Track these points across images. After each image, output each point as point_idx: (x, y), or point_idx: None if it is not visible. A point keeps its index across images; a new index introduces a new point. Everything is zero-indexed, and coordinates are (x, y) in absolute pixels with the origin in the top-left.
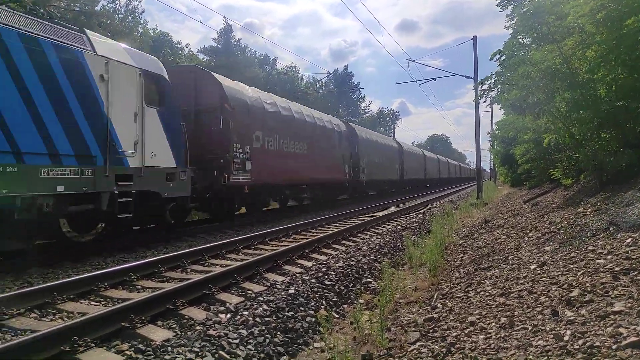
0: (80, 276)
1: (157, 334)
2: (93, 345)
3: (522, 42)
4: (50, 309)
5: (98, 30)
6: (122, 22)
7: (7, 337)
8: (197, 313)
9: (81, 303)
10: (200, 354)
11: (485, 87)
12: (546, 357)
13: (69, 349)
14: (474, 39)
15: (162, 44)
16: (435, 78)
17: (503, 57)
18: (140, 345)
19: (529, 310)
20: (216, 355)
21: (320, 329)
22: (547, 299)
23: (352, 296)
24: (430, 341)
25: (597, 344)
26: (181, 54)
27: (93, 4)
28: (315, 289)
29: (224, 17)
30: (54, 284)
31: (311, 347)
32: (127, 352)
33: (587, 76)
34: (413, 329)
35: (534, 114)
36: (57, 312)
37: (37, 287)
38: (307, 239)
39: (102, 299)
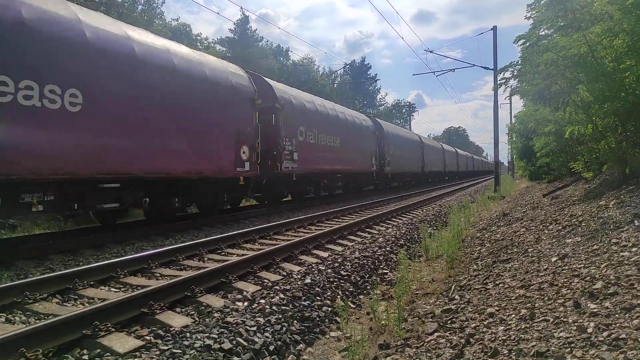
0: (101, 263)
1: (176, 320)
2: (114, 330)
3: (543, 33)
4: (71, 294)
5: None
6: (142, 13)
7: (30, 320)
8: (214, 300)
9: (101, 289)
10: (218, 340)
11: (507, 74)
12: (569, 349)
13: (90, 333)
14: (494, 29)
15: (181, 35)
16: (454, 69)
17: (527, 44)
18: (160, 331)
19: (550, 302)
20: (234, 342)
21: (337, 318)
22: (568, 291)
23: (368, 287)
24: (449, 332)
25: (623, 336)
26: (200, 46)
27: None
28: (331, 279)
29: (241, 8)
30: (75, 270)
31: (328, 336)
32: (146, 337)
33: (612, 65)
34: (430, 319)
35: (555, 105)
36: (78, 298)
37: (59, 273)
38: (321, 230)
39: (121, 286)
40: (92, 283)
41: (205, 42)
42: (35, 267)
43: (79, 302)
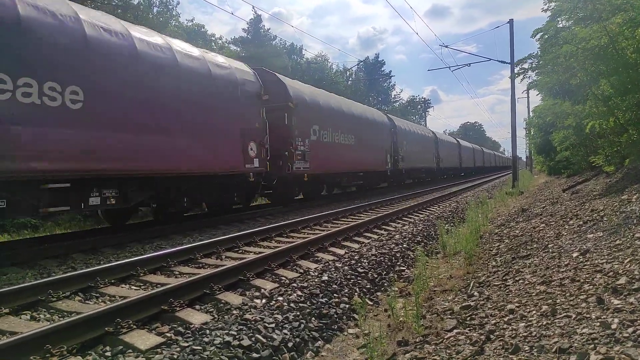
0: (121, 261)
1: (196, 317)
2: (135, 327)
3: (561, 25)
4: (93, 292)
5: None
6: (157, 15)
7: (54, 318)
8: (233, 298)
9: (122, 287)
10: (237, 337)
11: (525, 65)
12: (592, 345)
13: (112, 330)
14: (510, 22)
15: (196, 36)
16: (470, 64)
17: (546, 36)
18: (180, 328)
19: (572, 298)
20: (253, 339)
21: (355, 315)
22: (591, 287)
23: (385, 284)
24: (468, 329)
25: None
26: (214, 46)
27: None
28: (348, 276)
29: (253, 7)
30: (97, 268)
31: (346, 333)
32: (167, 334)
33: (634, 57)
34: (449, 316)
35: (575, 98)
36: (100, 296)
37: (81, 271)
38: (338, 227)
39: (141, 284)
40: (113, 281)
41: (220, 41)
42: (57, 266)
43: (100, 300)
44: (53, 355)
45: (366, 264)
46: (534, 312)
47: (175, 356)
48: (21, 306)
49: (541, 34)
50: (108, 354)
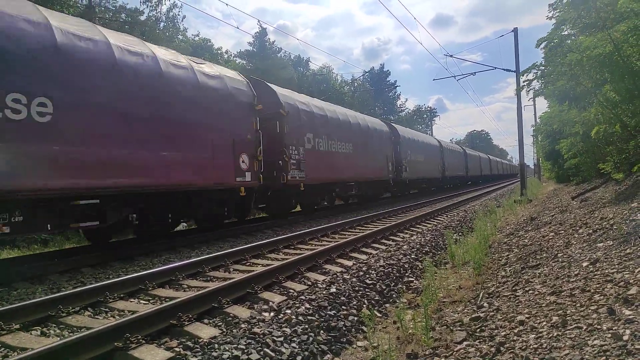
0: (130, 276)
1: (204, 331)
2: (144, 342)
3: (566, 33)
4: (102, 307)
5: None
6: (164, 30)
7: (64, 333)
8: (241, 311)
9: (131, 302)
10: (246, 351)
11: (530, 76)
12: (604, 357)
13: (122, 345)
14: (515, 30)
15: (203, 50)
16: (475, 72)
17: (551, 44)
18: (189, 343)
19: (582, 309)
20: (261, 353)
21: (364, 327)
22: (601, 297)
23: (394, 295)
24: (478, 340)
25: None
26: (220, 60)
27: (136, 13)
28: (356, 288)
29: (258, 21)
30: (106, 283)
31: (355, 346)
32: (176, 348)
33: None
34: (459, 328)
35: (582, 105)
36: (109, 310)
37: (90, 286)
38: (346, 238)
39: (150, 298)
40: (122, 295)
41: (226, 55)
42: (67, 281)
43: (110, 315)
44: None
45: (374, 275)
46: (545, 323)
47: None
48: (31, 322)
49: (545, 42)
50: None
